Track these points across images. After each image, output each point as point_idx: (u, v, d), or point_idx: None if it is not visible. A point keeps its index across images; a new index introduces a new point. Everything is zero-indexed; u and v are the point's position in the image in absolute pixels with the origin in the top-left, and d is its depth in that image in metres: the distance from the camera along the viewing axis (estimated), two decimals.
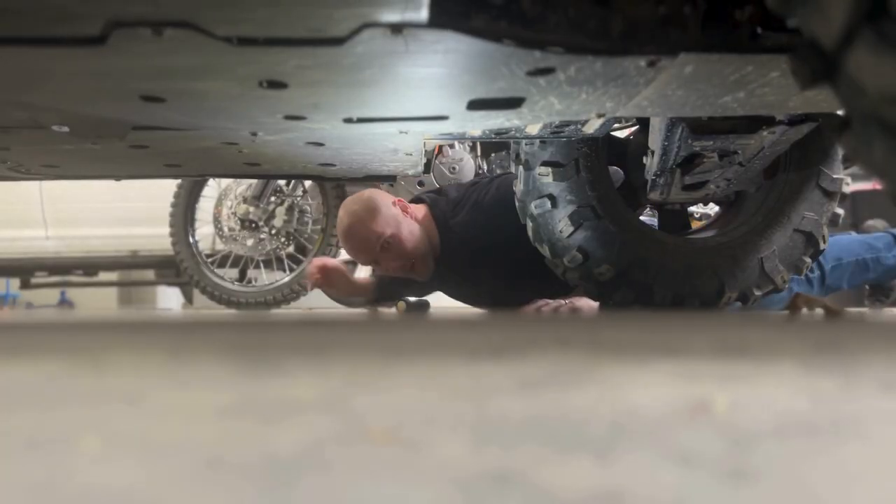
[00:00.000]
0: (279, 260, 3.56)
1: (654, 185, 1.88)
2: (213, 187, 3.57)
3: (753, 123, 1.65)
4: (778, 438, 0.37)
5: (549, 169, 1.90)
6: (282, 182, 3.38)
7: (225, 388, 0.55)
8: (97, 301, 7.57)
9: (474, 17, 0.84)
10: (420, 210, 2.37)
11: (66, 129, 1.28)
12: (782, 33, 0.91)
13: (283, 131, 1.33)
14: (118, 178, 1.93)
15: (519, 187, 2.00)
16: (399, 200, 2.35)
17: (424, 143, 1.55)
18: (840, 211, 2.05)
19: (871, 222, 3.03)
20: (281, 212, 3.39)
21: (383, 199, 2.27)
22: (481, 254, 2.24)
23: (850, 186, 2.15)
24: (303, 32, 0.86)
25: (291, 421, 0.42)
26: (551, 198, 1.91)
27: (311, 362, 0.70)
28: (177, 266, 3.80)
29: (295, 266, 3.49)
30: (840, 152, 1.97)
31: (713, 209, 2.77)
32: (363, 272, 2.79)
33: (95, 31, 0.84)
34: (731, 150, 1.77)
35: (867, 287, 2.80)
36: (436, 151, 2.96)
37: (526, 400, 0.48)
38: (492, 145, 3.11)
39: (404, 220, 2.28)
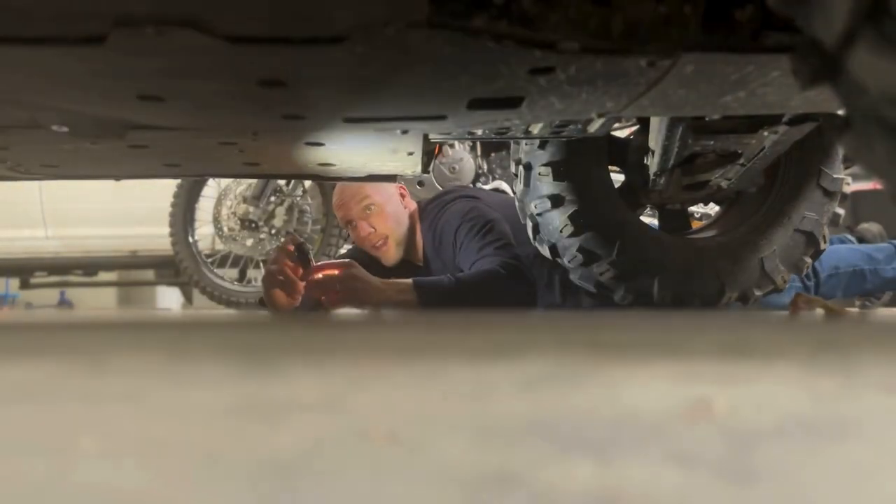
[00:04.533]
0: None
1: (654, 185, 1.88)
2: (213, 187, 3.57)
3: (754, 123, 1.65)
4: (778, 438, 0.37)
5: (550, 169, 1.90)
6: (282, 182, 3.37)
7: (225, 388, 0.55)
8: (97, 301, 7.57)
9: (474, 16, 0.84)
10: (412, 205, 2.41)
11: (66, 129, 1.27)
12: (783, 33, 0.91)
13: (283, 131, 1.33)
14: (118, 178, 1.93)
15: (519, 187, 2.00)
16: (401, 186, 2.39)
17: (424, 143, 1.55)
18: (840, 211, 2.05)
19: (865, 225, 3.02)
20: (281, 212, 3.39)
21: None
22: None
23: (851, 186, 2.15)
24: (303, 32, 0.86)
25: (291, 421, 0.42)
26: (551, 198, 1.91)
27: (310, 362, 0.70)
28: (177, 266, 3.80)
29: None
30: (840, 152, 1.96)
31: (713, 209, 2.77)
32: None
33: (95, 30, 0.84)
34: (732, 150, 1.77)
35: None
36: (436, 151, 2.95)
37: (526, 400, 0.48)
38: (492, 145, 3.11)
39: (398, 201, 2.32)
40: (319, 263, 2.03)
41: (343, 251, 3.07)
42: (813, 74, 0.65)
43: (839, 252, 2.42)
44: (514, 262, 2.06)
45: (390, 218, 2.28)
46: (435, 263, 2.31)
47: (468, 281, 2.02)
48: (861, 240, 2.88)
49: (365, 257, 2.39)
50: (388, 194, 2.31)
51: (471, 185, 2.99)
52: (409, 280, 1.97)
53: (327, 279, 1.94)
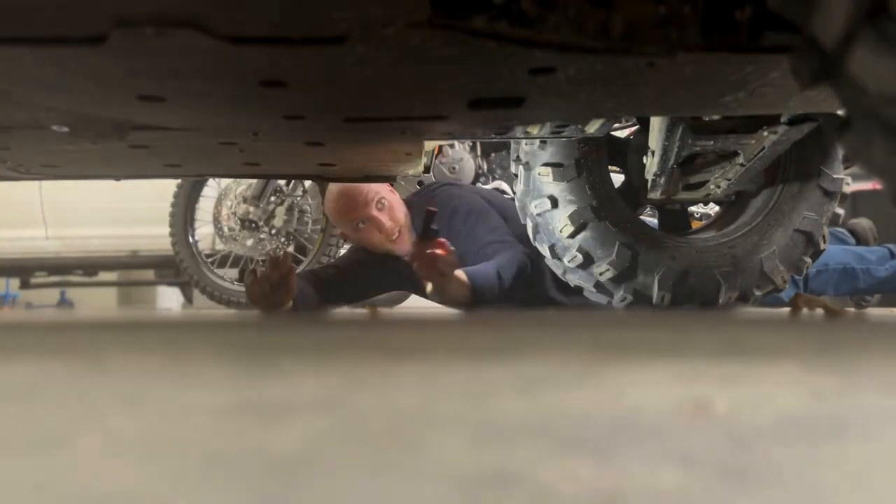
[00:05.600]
0: None
1: (654, 185, 1.88)
2: (213, 187, 3.56)
3: (753, 123, 1.65)
4: (778, 438, 0.37)
5: (550, 169, 1.90)
6: (282, 182, 3.37)
7: (225, 388, 0.55)
8: (97, 301, 7.57)
9: (474, 17, 0.84)
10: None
11: (66, 129, 1.27)
12: (782, 33, 0.91)
13: (283, 131, 1.33)
14: (118, 178, 1.93)
15: (519, 187, 2.00)
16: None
17: (424, 143, 1.55)
18: (840, 211, 2.05)
19: (854, 221, 3.02)
20: (281, 212, 3.39)
21: None
22: None
23: (850, 186, 2.15)
24: (303, 32, 0.86)
25: (291, 421, 0.42)
26: (551, 198, 1.91)
27: (310, 362, 0.70)
28: (177, 266, 3.80)
29: (295, 266, 3.49)
30: (840, 152, 1.96)
31: (713, 209, 2.77)
32: None
33: (95, 30, 0.84)
34: (731, 150, 1.77)
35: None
36: (436, 151, 2.95)
37: (526, 400, 0.48)
38: (492, 145, 3.11)
39: (392, 194, 2.39)
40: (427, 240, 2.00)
41: (343, 251, 3.07)
42: (813, 74, 0.65)
43: (829, 250, 2.42)
44: (528, 250, 2.13)
45: (398, 210, 2.33)
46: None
47: (506, 269, 2.09)
48: (852, 232, 2.88)
49: (367, 256, 2.40)
50: (388, 189, 2.37)
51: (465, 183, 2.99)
52: (464, 274, 2.00)
53: (437, 257, 1.95)
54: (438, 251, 1.95)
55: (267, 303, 2.05)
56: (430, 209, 1.99)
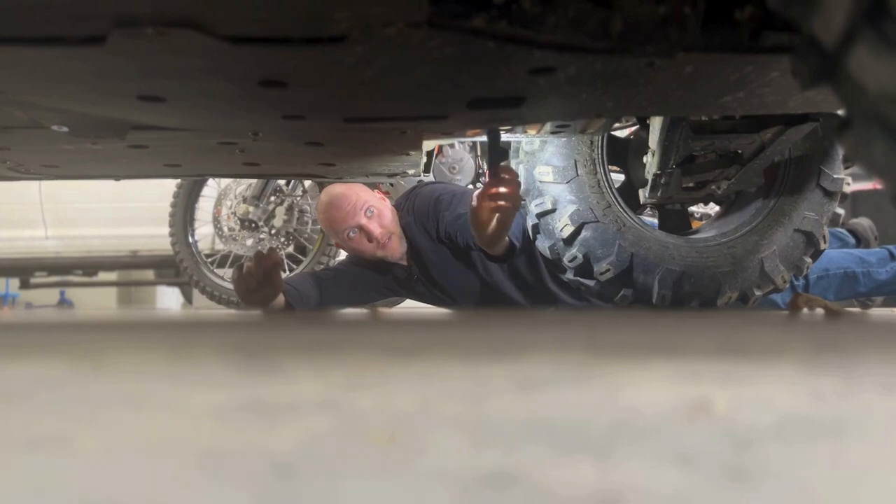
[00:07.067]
0: None
1: (654, 185, 1.88)
2: (213, 187, 3.57)
3: (754, 123, 1.65)
4: (778, 438, 0.37)
5: (549, 169, 1.90)
6: (282, 182, 3.37)
7: (225, 388, 0.55)
8: (97, 301, 7.57)
9: (474, 17, 0.84)
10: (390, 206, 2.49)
11: (66, 129, 1.27)
12: (782, 33, 0.91)
13: (283, 131, 1.33)
14: (118, 178, 1.93)
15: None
16: (378, 188, 2.51)
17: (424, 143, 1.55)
18: (840, 211, 2.05)
19: (854, 221, 3.01)
20: (281, 212, 3.39)
21: (361, 184, 2.39)
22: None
23: (851, 186, 2.14)
24: (303, 32, 0.86)
25: (291, 421, 0.42)
26: (551, 198, 1.91)
27: (311, 362, 0.70)
28: (177, 266, 3.80)
29: (295, 266, 3.49)
30: (840, 152, 1.96)
31: (713, 209, 2.77)
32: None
33: (95, 30, 0.84)
34: (732, 150, 1.77)
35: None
36: (436, 151, 2.95)
37: (526, 400, 0.48)
38: None
39: (382, 201, 2.41)
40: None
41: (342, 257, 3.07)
42: (813, 75, 0.65)
43: (829, 255, 2.41)
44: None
45: (387, 216, 2.36)
46: (422, 241, 2.38)
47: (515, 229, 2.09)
48: (853, 232, 2.88)
49: (363, 262, 2.41)
50: (377, 197, 2.39)
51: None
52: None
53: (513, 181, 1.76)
54: (508, 177, 1.72)
55: (253, 298, 2.05)
56: (490, 130, 1.65)
